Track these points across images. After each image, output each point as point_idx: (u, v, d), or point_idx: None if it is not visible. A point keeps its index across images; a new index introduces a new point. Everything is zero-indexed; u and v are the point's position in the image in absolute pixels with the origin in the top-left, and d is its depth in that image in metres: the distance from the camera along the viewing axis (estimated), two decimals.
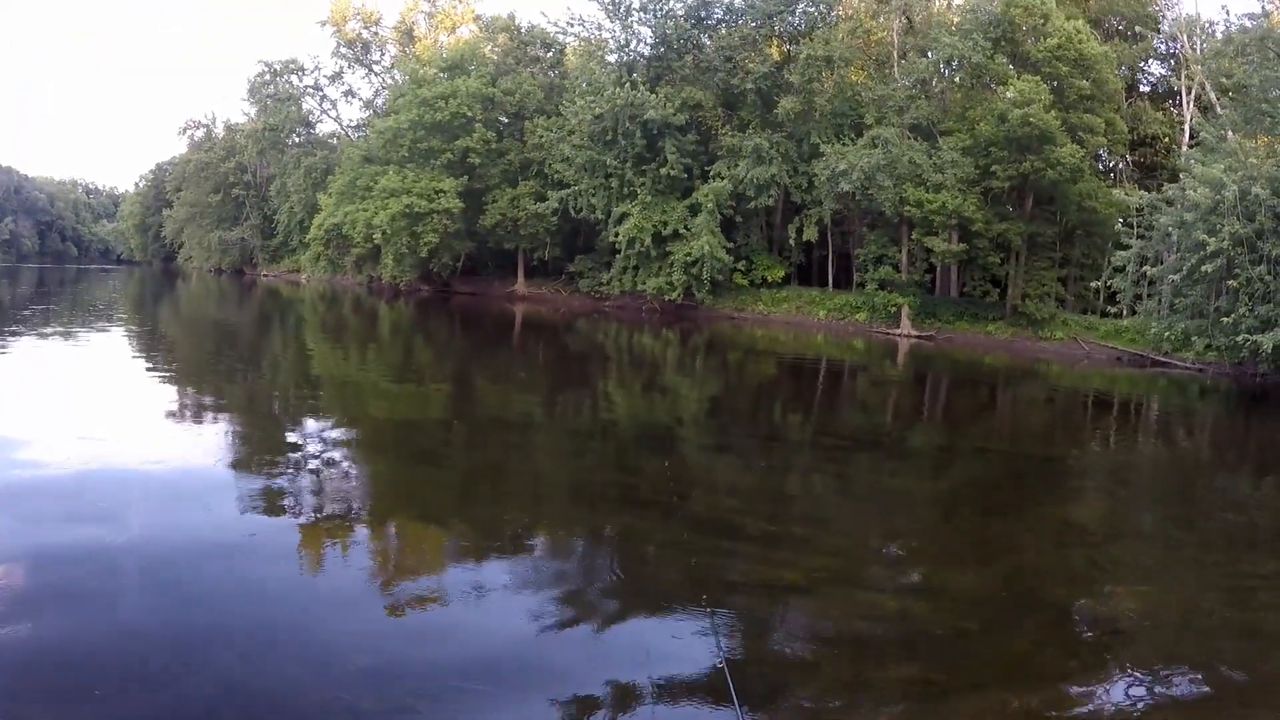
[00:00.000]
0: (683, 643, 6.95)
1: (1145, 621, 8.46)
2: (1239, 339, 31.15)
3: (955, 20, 52.06)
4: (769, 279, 53.87)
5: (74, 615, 6.86)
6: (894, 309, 47.34)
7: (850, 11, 56.24)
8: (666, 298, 53.02)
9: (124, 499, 9.90)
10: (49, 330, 30.85)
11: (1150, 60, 57.29)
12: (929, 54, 50.26)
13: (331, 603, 7.48)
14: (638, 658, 6.62)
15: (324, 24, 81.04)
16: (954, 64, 49.71)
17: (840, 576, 8.99)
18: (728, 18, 57.46)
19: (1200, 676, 7.28)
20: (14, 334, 28.38)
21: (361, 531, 9.70)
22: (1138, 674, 7.18)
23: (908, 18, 53.34)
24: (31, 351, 23.98)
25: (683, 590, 8.09)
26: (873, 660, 7.11)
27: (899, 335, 45.64)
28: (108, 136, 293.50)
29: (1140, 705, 6.59)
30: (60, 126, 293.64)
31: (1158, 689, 6.94)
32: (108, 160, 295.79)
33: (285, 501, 10.46)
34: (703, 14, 57.17)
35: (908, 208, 45.14)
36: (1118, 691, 6.79)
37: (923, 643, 7.43)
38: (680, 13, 56.80)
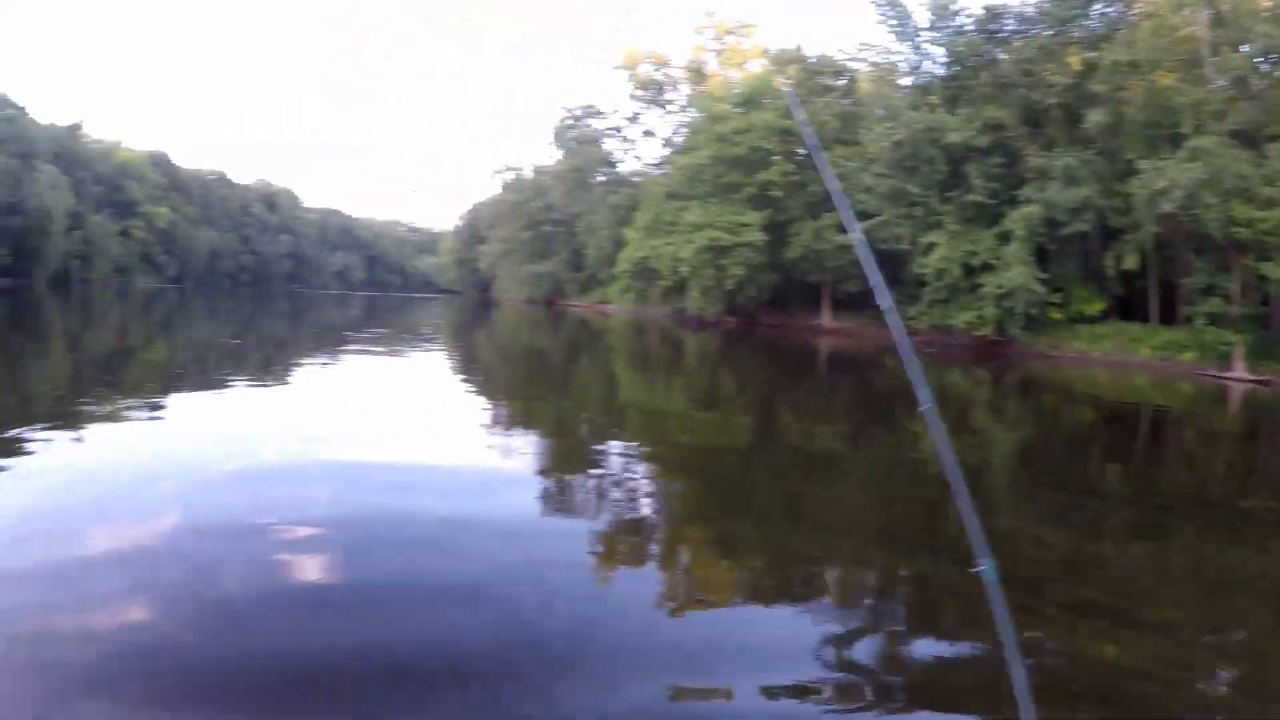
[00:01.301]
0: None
1: None
2: None
3: (1268, 4, 46.82)
4: (1086, 313, 50.57)
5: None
6: (1225, 348, 42.20)
7: (1150, 7, 51.78)
8: (977, 333, 51.33)
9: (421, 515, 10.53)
10: (376, 349, 35.22)
11: None
12: (1243, 48, 46.40)
13: (622, 617, 7.69)
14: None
15: (618, 69, 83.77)
16: (1274, 57, 46.04)
17: (1163, 657, 8.27)
18: (1021, 28, 54.95)
19: None
20: (343, 351, 33.01)
21: (652, 549, 9.96)
22: None
23: (1215, 8, 49.28)
24: (357, 366, 27.85)
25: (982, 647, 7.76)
26: None
27: (1230, 379, 40.07)
28: (426, 184, 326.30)
29: None
30: (380, 176, 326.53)
31: None
32: (425, 204, 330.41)
33: (582, 516, 10.98)
34: (993, 27, 55.01)
35: (1236, 228, 41.51)
36: None
37: None
38: (970, 28, 55.00)
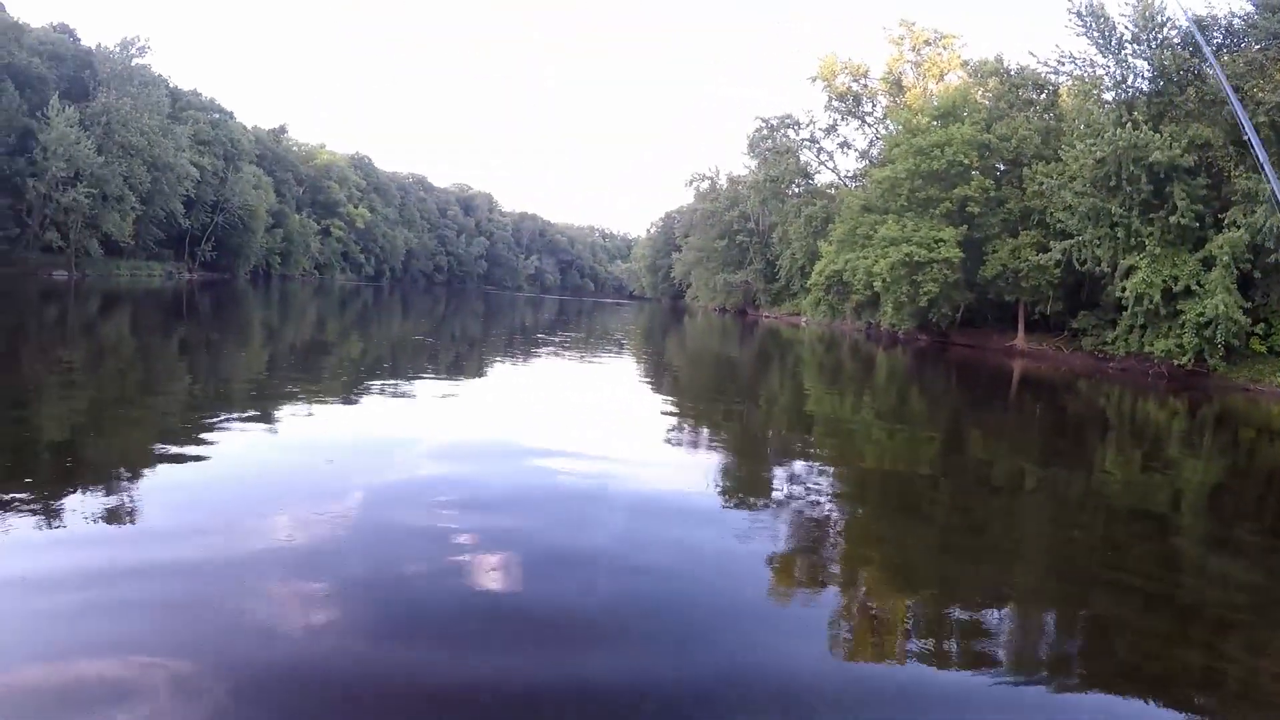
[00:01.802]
0: None
1: None
2: None
3: None
4: None
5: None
6: None
7: None
8: (1175, 362, 49.57)
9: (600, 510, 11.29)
10: (566, 352, 36.88)
11: None
12: None
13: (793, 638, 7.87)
14: None
15: (815, 79, 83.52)
16: None
17: None
18: (1228, 41, 52.96)
19: None
20: (535, 354, 34.54)
21: (819, 568, 10.12)
22: None
23: None
24: (547, 368, 29.43)
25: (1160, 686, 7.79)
26: None
27: None
28: (619, 190, 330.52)
29: None
30: (579, 184, 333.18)
31: None
32: (618, 210, 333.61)
33: (759, 529, 11.30)
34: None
35: None
36: None
37: None
38: (1176, 41, 53.00)
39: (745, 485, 14.39)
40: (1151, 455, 25.12)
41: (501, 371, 28.57)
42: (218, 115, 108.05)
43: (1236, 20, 52.21)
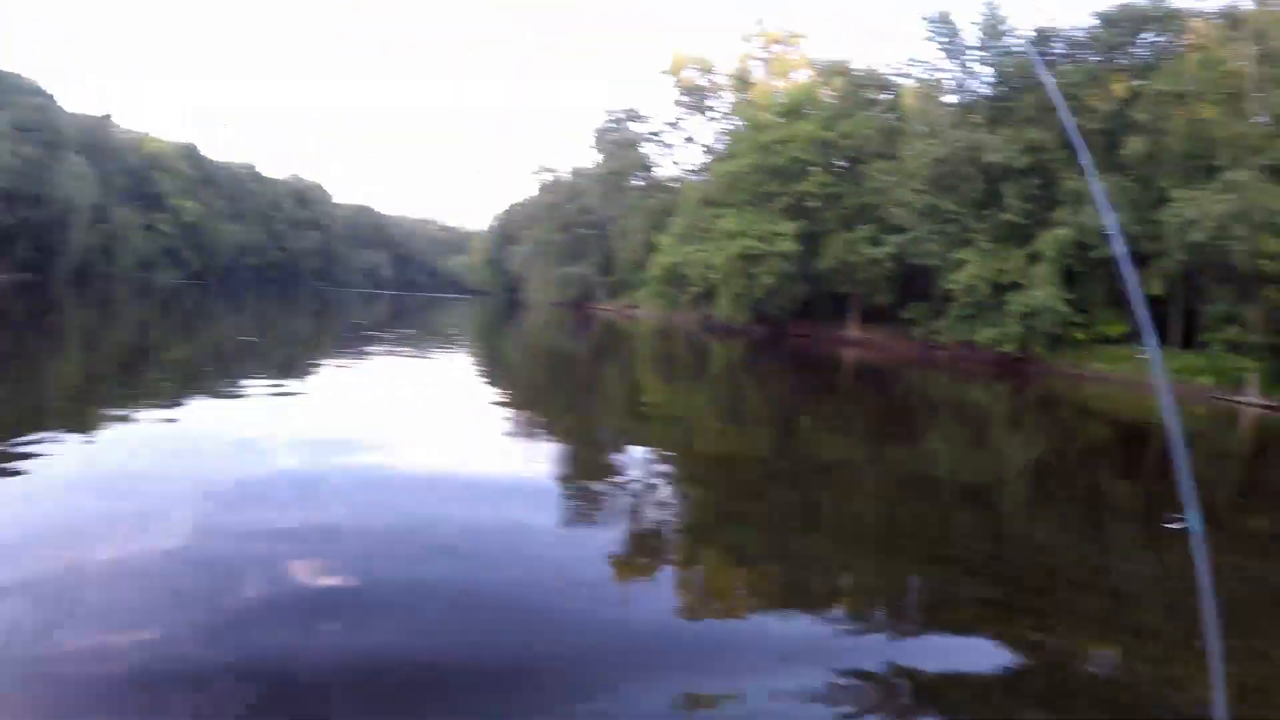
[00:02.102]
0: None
1: None
2: None
3: None
4: (1108, 335, 50.73)
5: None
6: (1241, 374, 42.97)
7: (1199, 40, 52.10)
8: (1000, 350, 51.79)
9: (447, 519, 10.51)
10: (401, 349, 34.43)
11: None
12: None
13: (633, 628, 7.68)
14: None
15: (664, 73, 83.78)
16: None
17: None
18: (1069, 52, 55.61)
19: None
20: (367, 353, 31.56)
21: (659, 565, 9.82)
22: None
23: (1264, 44, 49.56)
24: (381, 369, 26.86)
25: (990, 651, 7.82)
26: None
27: (1244, 403, 40.84)
28: (458, 182, 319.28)
29: None
30: (416, 176, 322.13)
31: None
32: (457, 203, 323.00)
33: (597, 529, 10.85)
34: (1042, 50, 55.45)
35: (1262, 260, 41.87)
36: None
37: None
38: (1019, 49, 55.55)
39: (582, 475, 13.92)
40: (978, 436, 25.99)
41: (331, 373, 25.85)
42: (40, 99, 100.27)
43: (1079, 33, 54.64)
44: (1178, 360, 47.32)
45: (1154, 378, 4.23)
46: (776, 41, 79.79)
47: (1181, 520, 3.88)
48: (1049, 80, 6.57)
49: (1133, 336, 50.82)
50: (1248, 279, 44.21)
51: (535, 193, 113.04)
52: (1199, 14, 53.28)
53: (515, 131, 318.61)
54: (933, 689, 6.92)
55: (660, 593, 8.57)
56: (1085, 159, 5.76)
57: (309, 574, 7.84)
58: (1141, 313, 4.18)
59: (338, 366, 26.88)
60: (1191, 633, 4.33)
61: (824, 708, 6.37)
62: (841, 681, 6.76)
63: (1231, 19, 50.48)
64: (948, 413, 31.87)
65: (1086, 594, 10.11)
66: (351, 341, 37.62)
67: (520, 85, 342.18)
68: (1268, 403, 40.77)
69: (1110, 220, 5.16)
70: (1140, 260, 48.83)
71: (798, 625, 7.98)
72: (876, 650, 7.49)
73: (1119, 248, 4.74)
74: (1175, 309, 50.73)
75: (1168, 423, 4.08)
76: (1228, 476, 23.51)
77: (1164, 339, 50.48)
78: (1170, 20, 52.19)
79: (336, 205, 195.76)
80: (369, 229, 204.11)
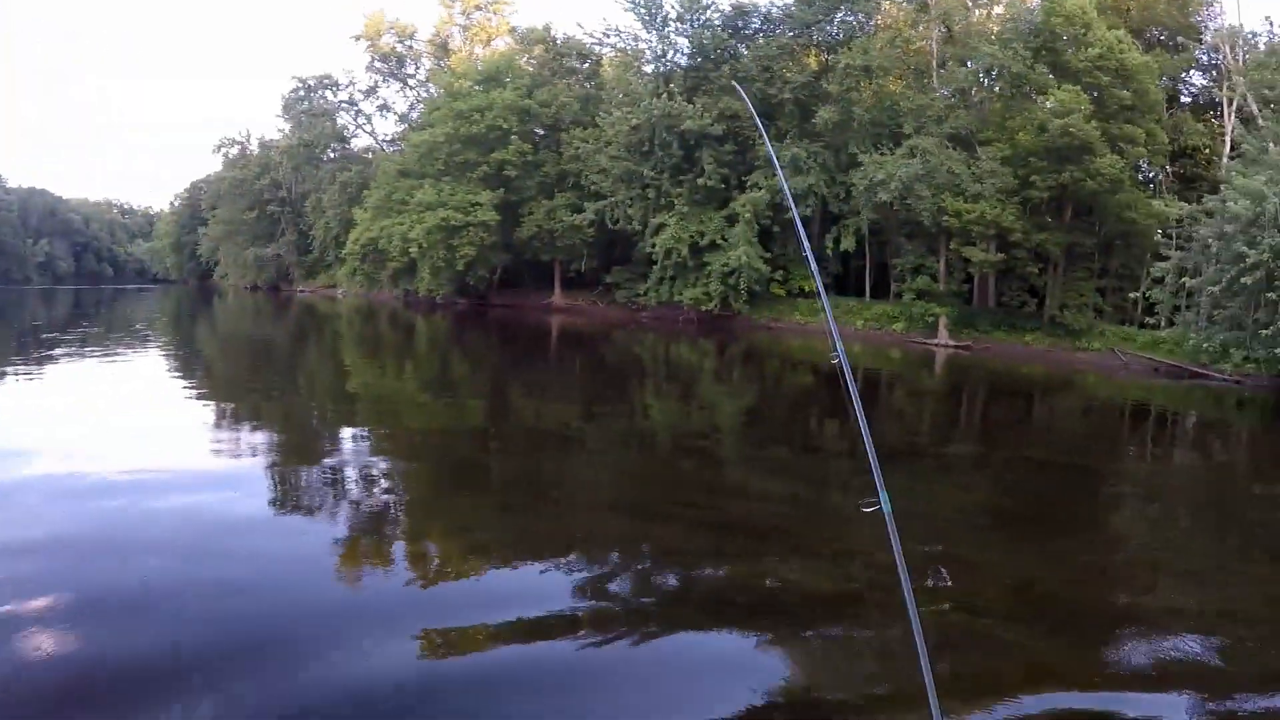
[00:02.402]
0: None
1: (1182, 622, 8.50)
2: (1278, 351, 30.66)
3: (995, 29, 51.44)
4: (806, 289, 53.01)
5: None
6: (931, 319, 47.07)
7: (889, 21, 55.64)
8: (703, 308, 53.00)
9: (157, 519, 9.91)
10: (88, 350, 30.72)
11: (1192, 71, 56.49)
12: (969, 63, 49.87)
13: (359, 614, 7.53)
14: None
15: (358, 38, 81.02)
16: (994, 73, 49.38)
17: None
18: (765, 27, 57.43)
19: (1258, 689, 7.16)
20: (49, 358, 28.14)
21: (388, 539, 9.80)
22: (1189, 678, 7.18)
23: (947, 27, 52.84)
24: (68, 373, 24.11)
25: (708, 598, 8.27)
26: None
27: (936, 345, 45.26)
28: (141, 157, 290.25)
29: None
30: (93, 149, 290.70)
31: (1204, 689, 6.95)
32: (142, 180, 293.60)
33: (319, 513, 10.64)
34: (740, 24, 57.31)
35: (946, 218, 45.01)
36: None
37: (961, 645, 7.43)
38: (717, 22, 56.87)
39: (294, 462, 13.41)
40: (687, 392, 26.41)
41: (11, 384, 22.13)
42: None
43: (775, 9, 56.69)
44: (874, 309, 51.19)
45: (827, 328, 5.02)
46: (477, 8, 78.54)
47: (875, 503, 4.37)
48: (745, 98, 7.06)
49: (827, 289, 53.49)
50: (933, 234, 47.28)
51: (220, 168, 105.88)
52: None
53: (199, 100, 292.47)
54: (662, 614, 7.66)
55: (385, 575, 8.51)
56: (760, 126, 6.50)
57: (11, 594, 7.25)
58: (814, 268, 5.50)
59: (18, 378, 23.12)
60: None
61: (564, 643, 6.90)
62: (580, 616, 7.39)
63: (919, 3, 53.36)
64: (658, 372, 32.31)
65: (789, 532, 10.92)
66: (30, 347, 32.71)
67: (202, 47, 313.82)
68: (956, 343, 45.42)
69: (784, 186, 6.60)
70: (834, 219, 51.96)
71: (526, 578, 8.46)
72: (599, 590, 8.18)
73: (793, 207, 6.06)
74: (867, 263, 53.95)
75: (845, 377, 4.90)
76: (926, 411, 24.92)
77: (858, 290, 53.80)
78: (863, 1, 54.27)
79: (6, 189, 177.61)
80: (43, 215, 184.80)
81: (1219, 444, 23.75)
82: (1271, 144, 36.30)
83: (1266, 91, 41.12)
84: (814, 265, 4.58)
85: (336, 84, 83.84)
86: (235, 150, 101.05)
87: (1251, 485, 17.58)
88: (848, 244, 51.26)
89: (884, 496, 4.32)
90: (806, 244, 5.14)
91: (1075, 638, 7.88)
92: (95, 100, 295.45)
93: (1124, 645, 7.89)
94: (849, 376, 4.79)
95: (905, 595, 4.11)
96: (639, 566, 9.42)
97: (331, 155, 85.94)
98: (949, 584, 9.20)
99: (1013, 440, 20.88)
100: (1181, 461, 20.44)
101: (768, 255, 52.40)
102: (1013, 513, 13.13)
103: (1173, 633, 8.22)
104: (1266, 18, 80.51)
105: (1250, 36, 49.31)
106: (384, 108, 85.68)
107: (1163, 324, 40.42)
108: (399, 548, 9.47)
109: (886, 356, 40.33)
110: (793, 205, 5.42)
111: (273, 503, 10.82)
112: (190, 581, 7.88)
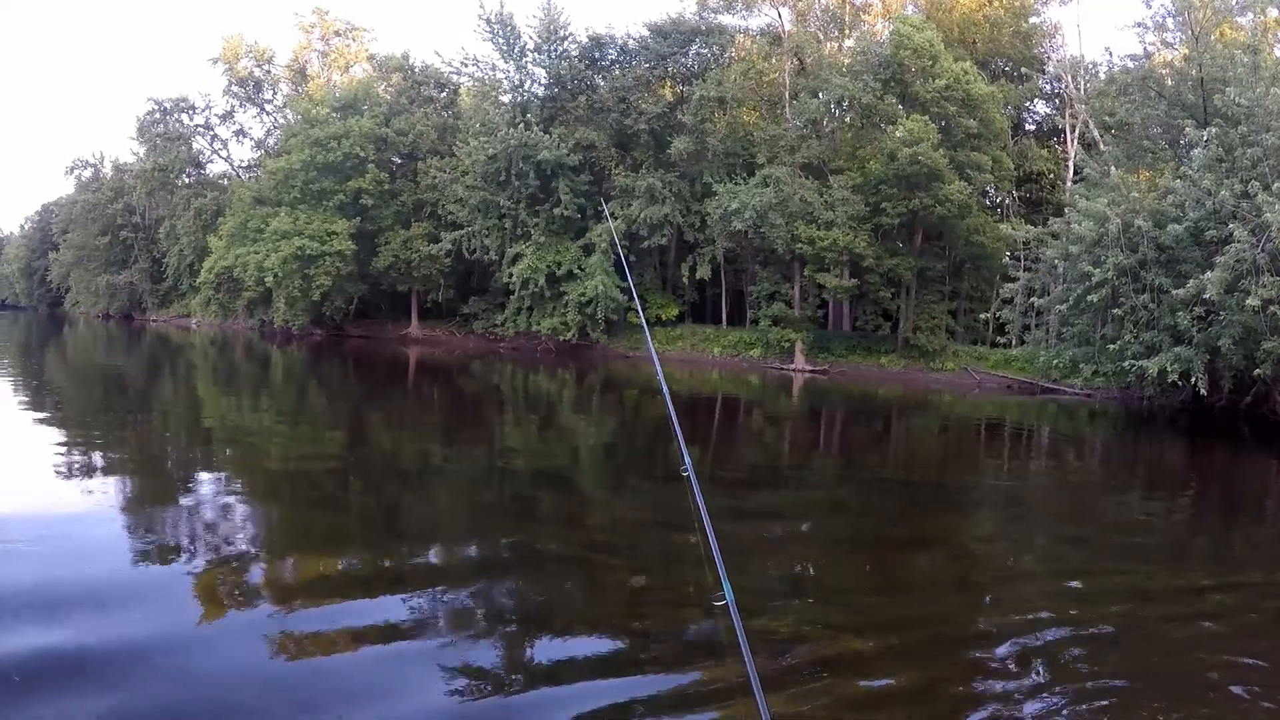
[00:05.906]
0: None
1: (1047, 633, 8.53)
2: (1125, 364, 31.50)
3: (846, 62, 52.56)
4: (663, 317, 53.67)
5: None
6: (788, 344, 47.92)
7: (743, 53, 56.57)
8: (561, 338, 53.23)
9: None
10: None
11: (1036, 100, 58.81)
12: (820, 95, 50.63)
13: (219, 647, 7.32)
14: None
15: (215, 61, 79.15)
16: (845, 104, 50.45)
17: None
18: (622, 59, 57.80)
19: (1117, 681, 7.33)
20: None
21: (251, 573, 9.47)
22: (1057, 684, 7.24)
23: (799, 59, 54.01)
24: None
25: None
26: None
27: (793, 370, 45.96)
28: None
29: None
30: None
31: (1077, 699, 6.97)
32: None
33: (177, 549, 10.19)
34: (597, 55, 57.61)
35: (800, 245, 45.78)
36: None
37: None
38: (574, 53, 56.91)
39: (151, 507, 12.57)
40: (546, 422, 26.26)
41: None
42: None
43: (631, 41, 56.87)
44: (731, 336, 52.00)
45: (648, 351, 5.56)
46: (337, 34, 77.33)
47: (685, 470, 5.39)
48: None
49: (683, 318, 54.41)
50: (787, 261, 48.09)
51: (73, 191, 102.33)
52: (744, 30, 57.55)
53: (50, 117, 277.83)
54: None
55: (249, 621, 7.97)
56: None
57: None
58: (636, 303, 9.10)
59: None
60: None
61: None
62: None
63: (772, 37, 54.57)
64: (517, 401, 31.92)
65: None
66: None
67: (53, 62, 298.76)
68: (813, 368, 46.43)
69: (611, 227, 6.22)
70: (689, 248, 52.42)
71: (398, 608, 8.36)
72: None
73: (618, 247, 7.23)
74: (723, 290, 54.92)
75: (664, 393, 6.30)
76: (784, 435, 25.13)
77: (715, 318, 54.55)
78: (718, 34, 55.16)
79: None
80: None
81: (1073, 455, 24.42)
82: (1112, 168, 37.41)
83: (1107, 118, 42.50)
84: (635, 299, 4.91)
85: (193, 107, 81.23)
86: (88, 173, 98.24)
87: (1105, 494, 18.02)
88: (703, 272, 51.95)
89: (689, 463, 5.39)
90: (630, 278, 5.53)
91: (928, 658, 7.94)
92: None
93: (985, 644, 8.14)
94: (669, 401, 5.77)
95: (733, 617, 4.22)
96: (487, 592, 9.35)
97: (187, 180, 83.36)
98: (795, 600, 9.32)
99: (871, 461, 21.10)
100: (1037, 473, 20.95)
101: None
102: (872, 531, 13.18)
103: (1031, 633, 8.38)
104: (1106, 48, 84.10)
105: (1091, 66, 50.96)
106: (240, 133, 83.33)
107: (1014, 343, 41.54)
108: (246, 580, 9.20)
109: (745, 383, 40.68)
110: (618, 244, 5.58)
111: (115, 541, 10.22)
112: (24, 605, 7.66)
